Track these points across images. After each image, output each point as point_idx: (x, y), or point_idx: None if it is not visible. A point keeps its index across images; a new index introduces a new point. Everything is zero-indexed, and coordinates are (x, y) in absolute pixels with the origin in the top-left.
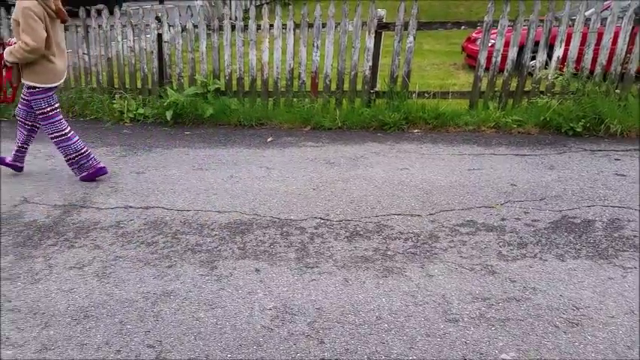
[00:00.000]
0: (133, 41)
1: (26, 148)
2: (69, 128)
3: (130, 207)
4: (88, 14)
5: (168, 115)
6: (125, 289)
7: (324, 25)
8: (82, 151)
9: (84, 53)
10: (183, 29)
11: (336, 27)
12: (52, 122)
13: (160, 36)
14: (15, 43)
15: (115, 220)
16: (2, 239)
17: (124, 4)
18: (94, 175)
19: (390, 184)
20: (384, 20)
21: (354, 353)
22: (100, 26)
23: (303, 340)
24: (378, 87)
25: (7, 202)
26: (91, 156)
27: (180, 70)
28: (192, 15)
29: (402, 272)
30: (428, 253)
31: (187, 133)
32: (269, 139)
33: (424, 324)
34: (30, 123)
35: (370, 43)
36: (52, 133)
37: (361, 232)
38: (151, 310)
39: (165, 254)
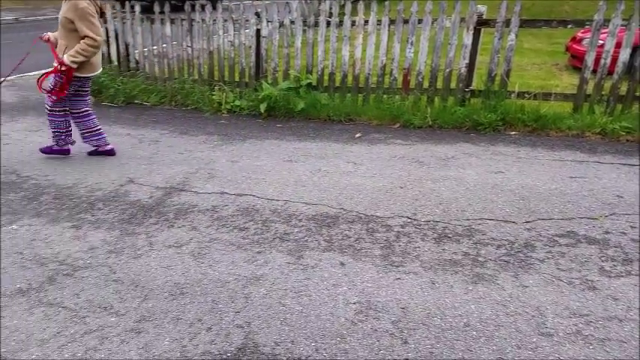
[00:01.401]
0: (233, 36)
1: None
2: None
3: (225, 193)
4: (193, 8)
5: (262, 107)
6: (218, 270)
7: (420, 21)
8: (65, 130)
9: (187, 46)
10: (281, 25)
11: (432, 23)
12: (58, 101)
13: (258, 31)
14: (48, 37)
15: (211, 205)
16: (109, 215)
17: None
18: (56, 152)
19: (483, 187)
20: (484, 17)
21: (439, 357)
22: (203, 20)
23: (386, 337)
24: (474, 85)
25: (115, 182)
26: (69, 138)
27: (275, 64)
28: (289, 11)
29: (493, 280)
30: (522, 263)
31: (279, 125)
32: (357, 135)
33: (515, 335)
34: (67, 109)
35: (468, 39)
36: (53, 107)
37: (450, 235)
38: (242, 292)
39: (255, 240)
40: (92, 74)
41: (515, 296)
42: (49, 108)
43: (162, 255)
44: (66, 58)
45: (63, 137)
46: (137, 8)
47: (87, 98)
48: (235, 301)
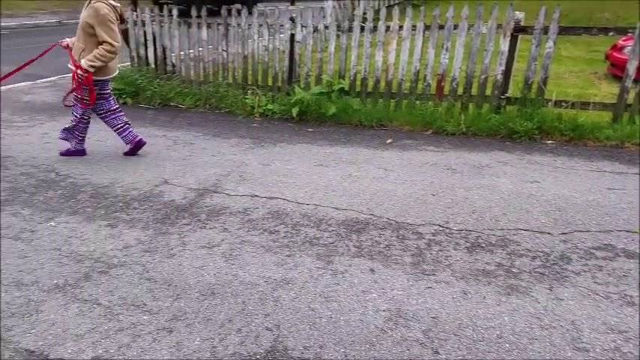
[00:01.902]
0: (268, 40)
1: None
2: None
3: (256, 196)
4: (229, 13)
5: (294, 111)
6: (249, 272)
7: (455, 27)
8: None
9: (223, 50)
10: (315, 30)
11: (468, 29)
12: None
13: (292, 36)
14: (67, 43)
15: (242, 207)
16: (144, 215)
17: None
18: (73, 153)
19: (518, 196)
20: (522, 23)
21: None
22: (238, 25)
23: (416, 346)
24: (510, 93)
25: (150, 182)
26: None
27: (308, 69)
28: (324, 16)
29: (527, 292)
30: (558, 275)
31: (310, 130)
32: (388, 141)
33: (549, 349)
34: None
35: (505, 46)
36: (77, 113)
37: (483, 245)
38: (271, 295)
39: (285, 243)
40: (109, 77)
41: (549, 309)
42: (78, 116)
43: (194, 255)
44: (83, 63)
45: (80, 140)
46: (175, 12)
47: (110, 98)
48: (265, 304)
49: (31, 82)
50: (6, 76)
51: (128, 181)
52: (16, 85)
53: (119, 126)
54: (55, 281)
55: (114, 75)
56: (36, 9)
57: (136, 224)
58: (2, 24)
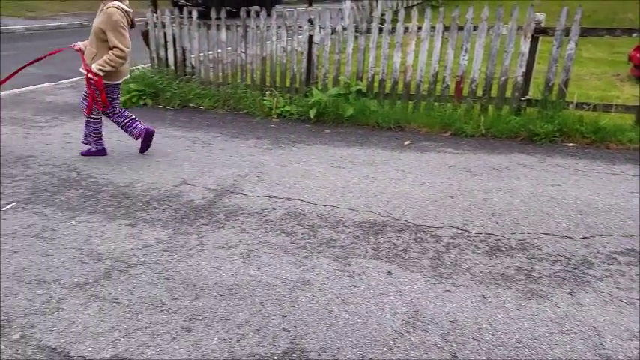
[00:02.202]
0: (286, 42)
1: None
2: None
3: (274, 197)
4: (248, 15)
5: (312, 113)
6: (266, 273)
7: (475, 28)
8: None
9: (242, 52)
10: (333, 31)
11: (488, 30)
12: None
13: (310, 37)
14: (79, 47)
15: (259, 208)
16: (163, 215)
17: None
18: (94, 153)
19: (538, 199)
20: (542, 25)
21: None
22: (257, 27)
23: (434, 350)
24: (530, 95)
25: (170, 182)
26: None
27: (326, 70)
28: (342, 18)
29: (547, 297)
30: (579, 280)
31: (327, 131)
32: (406, 143)
33: (570, 355)
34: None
35: (525, 47)
36: (90, 114)
37: (503, 248)
38: (289, 296)
39: (302, 245)
40: (119, 81)
41: (570, 314)
42: (88, 116)
43: (212, 255)
44: (94, 67)
45: (98, 140)
46: (194, 14)
47: (116, 101)
48: (282, 305)
49: (53, 83)
50: (7, 78)
51: (148, 181)
52: (39, 85)
53: (124, 123)
54: (76, 279)
55: (125, 79)
56: (58, 11)
57: (155, 224)
58: (26, 26)
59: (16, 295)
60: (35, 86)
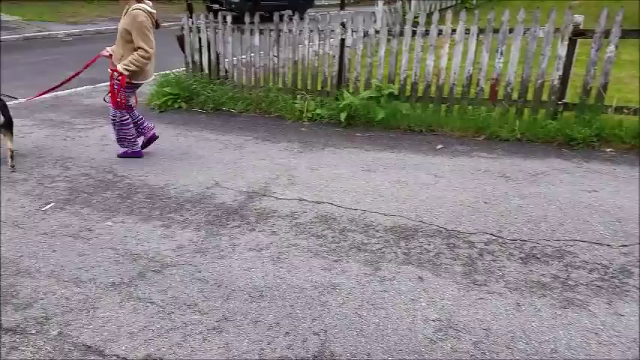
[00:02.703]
0: (318, 45)
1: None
2: (129, 118)
3: (304, 200)
4: (281, 19)
5: (343, 116)
6: (296, 276)
7: (511, 31)
8: (134, 135)
9: (274, 55)
10: (365, 34)
11: (524, 33)
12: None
13: (342, 41)
14: (109, 53)
15: (290, 211)
16: (196, 216)
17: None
18: (130, 155)
19: (575, 206)
20: (581, 27)
21: None
22: (290, 31)
23: (467, 359)
24: (567, 98)
25: (202, 184)
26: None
27: (357, 73)
28: (374, 21)
29: (584, 306)
30: (617, 289)
31: (358, 134)
32: (438, 147)
33: None
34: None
35: (562, 50)
36: (114, 117)
37: (538, 256)
38: (318, 300)
39: (332, 248)
40: (144, 81)
41: (608, 325)
42: (117, 120)
43: (243, 257)
44: (119, 67)
45: (133, 142)
46: (229, 19)
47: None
48: (312, 308)
49: (91, 86)
50: (51, 90)
51: (182, 182)
52: (77, 89)
53: (135, 121)
54: (111, 279)
55: (149, 80)
56: (97, 16)
57: (188, 225)
58: (66, 31)
59: (54, 293)
60: (74, 89)
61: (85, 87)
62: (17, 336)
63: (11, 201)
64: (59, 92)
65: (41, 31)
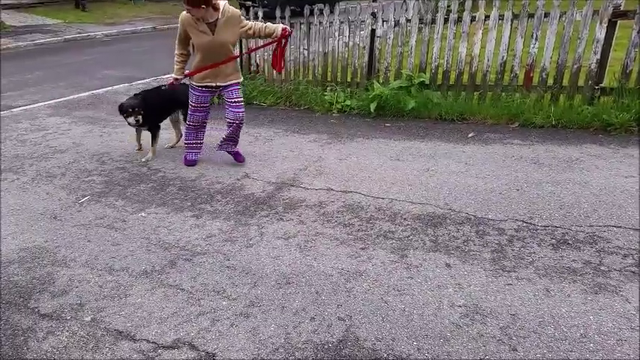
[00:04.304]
0: (348, 37)
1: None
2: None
3: (332, 190)
4: (312, 12)
5: (372, 107)
6: (322, 263)
7: (546, 15)
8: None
9: (304, 49)
10: (396, 24)
11: (560, 17)
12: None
13: (373, 31)
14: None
15: (318, 200)
16: (226, 207)
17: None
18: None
19: (611, 192)
20: (622, 8)
21: None
22: (320, 23)
23: (493, 343)
24: (605, 83)
25: (233, 176)
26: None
27: (387, 64)
28: (406, 10)
29: (616, 291)
30: None
31: (387, 125)
32: (470, 135)
33: None
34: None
35: (601, 33)
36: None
37: (570, 242)
38: (344, 286)
39: (359, 236)
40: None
41: None
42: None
43: (271, 246)
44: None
45: (197, 147)
46: (260, 14)
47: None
48: (338, 294)
49: (128, 84)
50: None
51: (213, 175)
52: (115, 87)
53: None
54: (143, 267)
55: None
56: (133, 17)
57: (218, 215)
58: (104, 32)
59: (88, 281)
60: (111, 87)
61: (122, 85)
62: (53, 321)
63: (50, 194)
64: (96, 91)
65: (80, 33)
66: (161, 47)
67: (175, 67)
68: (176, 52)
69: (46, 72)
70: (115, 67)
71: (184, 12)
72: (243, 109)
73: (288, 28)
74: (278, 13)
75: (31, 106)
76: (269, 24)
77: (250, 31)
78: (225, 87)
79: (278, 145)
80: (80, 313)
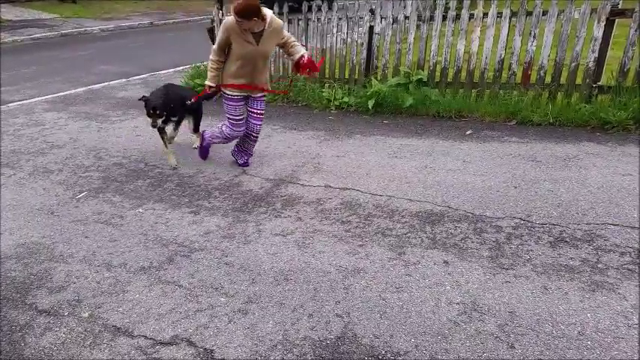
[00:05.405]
0: (346, 34)
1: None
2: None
3: (330, 187)
4: (310, 9)
5: (370, 104)
6: (320, 260)
7: (544, 13)
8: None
9: (302, 45)
10: (394, 21)
11: (558, 15)
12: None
13: (371, 28)
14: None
15: (315, 197)
16: (224, 203)
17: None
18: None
19: (608, 190)
20: (620, 6)
21: None
22: (318, 19)
23: (491, 340)
24: (603, 81)
25: (230, 173)
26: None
27: (386, 61)
28: (404, 7)
29: (614, 289)
30: None
31: (385, 122)
32: (468, 132)
33: (638, 350)
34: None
35: (598, 32)
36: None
37: (567, 239)
38: (342, 283)
39: (357, 233)
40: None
41: (638, 308)
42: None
43: (269, 242)
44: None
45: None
46: None
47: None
48: (336, 291)
49: (125, 80)
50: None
51: (210, 171)
52: (112, 82)
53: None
54: (141, 263)
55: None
56: (131, 12)
57: (216, 212)
58: (101, 27)
59: (86, 277)
60: (107, 83)
61: (119, 80)
62: (51, 317)
63: (47, 190)
64: (93, 86)
65: (77, 28)
66: (158, 43)
67: (210, 73)
68: (212, 57)
69: (42, 67)
70: (112, 63)
71: (229, 18)
72: (262, 122)
73: (306, 57)
74: (276, 8)
75: (28, 101)
76: (297, 45)
77: (282, 42)
78: (254, 96)
79: (276, 141)
80: (78, 309)
